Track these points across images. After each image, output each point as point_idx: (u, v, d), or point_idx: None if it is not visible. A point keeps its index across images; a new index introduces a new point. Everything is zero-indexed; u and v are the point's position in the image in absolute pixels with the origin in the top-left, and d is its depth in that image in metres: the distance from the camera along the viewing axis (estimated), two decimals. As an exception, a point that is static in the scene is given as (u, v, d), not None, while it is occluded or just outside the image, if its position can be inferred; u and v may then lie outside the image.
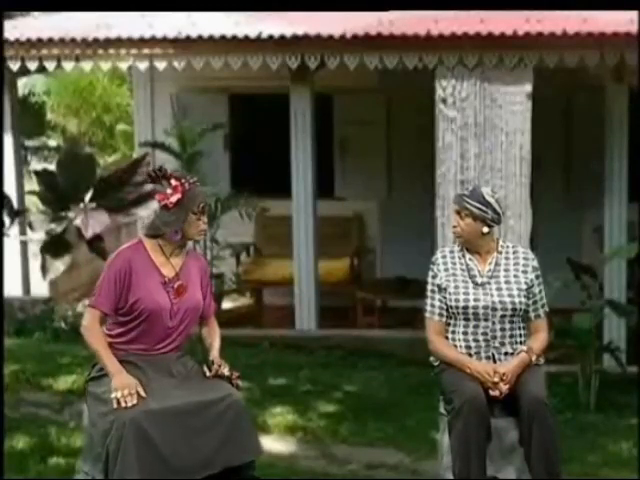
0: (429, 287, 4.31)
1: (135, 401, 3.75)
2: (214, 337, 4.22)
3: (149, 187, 4.08)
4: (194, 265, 4.15)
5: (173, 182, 3.98)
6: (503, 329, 4.20)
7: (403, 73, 7.90)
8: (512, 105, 6.97)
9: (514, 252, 4.34)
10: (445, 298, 4.24)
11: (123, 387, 3.77)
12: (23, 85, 14.95)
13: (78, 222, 8.34)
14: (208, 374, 4.01)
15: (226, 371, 4.02)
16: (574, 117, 9.59)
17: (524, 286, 4.23)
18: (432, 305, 4.28)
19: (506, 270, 4.27)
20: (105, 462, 3.72)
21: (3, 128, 8.64)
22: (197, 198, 4.02)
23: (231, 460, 3.85)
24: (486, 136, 7.03)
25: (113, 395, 3.76)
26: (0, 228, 8.12)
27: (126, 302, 3.95)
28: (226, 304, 9.37)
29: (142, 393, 3.79)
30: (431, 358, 4.35)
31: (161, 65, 8.13)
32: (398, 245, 9.72)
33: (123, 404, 3.74)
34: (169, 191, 3.98)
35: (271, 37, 7.73)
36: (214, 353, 4.14)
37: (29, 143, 17.04)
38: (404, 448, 5.66)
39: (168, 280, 4.02)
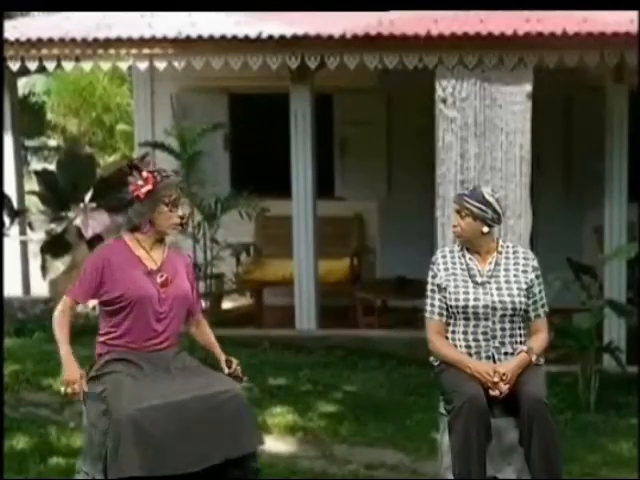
0: (429, 287, 4.31)
1: (79, 389, 3.93)
2: (210, 335, 4.33)
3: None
4: (177, 260, 4.23)
5: (144, 174, 4.08)
6: (503, 329, 4.20)
7: (403, 73, 7.89)
8: (512, 105, 6.96)
9: (514, 252, 4.34)
10: (445, 298, 4.24)
11: (68, 382, 3.93)
12: (23, 85, 14.93)
13: (78, 222, 8.36)
14: (227, 371, 4.12)
15: (239, 370, 4.16)
16: (574, 117, 9.58)
17: (524, 286, 4.23)
18: (432, 305, 4.28)
19: (506, 270, 4.27)
20: (104, 461, 3.72)
21: (3, 128, 8.64)
22: (168, 189, 4.09)
23: (232, 452, 3.87)
24: (486, 136, 7.02)
25: (62, 389, 3.94)
26: (0, 228, 8.13)
27: (109, 294, 4.02)
28: (226, 304, 9.37)
29: (85, 387, 3.93)
30: (431, 358, 4.35)
31: (161, 65, 8.13)
32: (398, 245, 9.71)
33: (70, 397, 3.94)
34: (140, 182, 4.07)
35: (271, 37, 7.72)
36: (219, 352, 4.24)
37: (29, 143, 17.04)
38: (404, 448, 5.65)
39: (152, 271, 4.09)
